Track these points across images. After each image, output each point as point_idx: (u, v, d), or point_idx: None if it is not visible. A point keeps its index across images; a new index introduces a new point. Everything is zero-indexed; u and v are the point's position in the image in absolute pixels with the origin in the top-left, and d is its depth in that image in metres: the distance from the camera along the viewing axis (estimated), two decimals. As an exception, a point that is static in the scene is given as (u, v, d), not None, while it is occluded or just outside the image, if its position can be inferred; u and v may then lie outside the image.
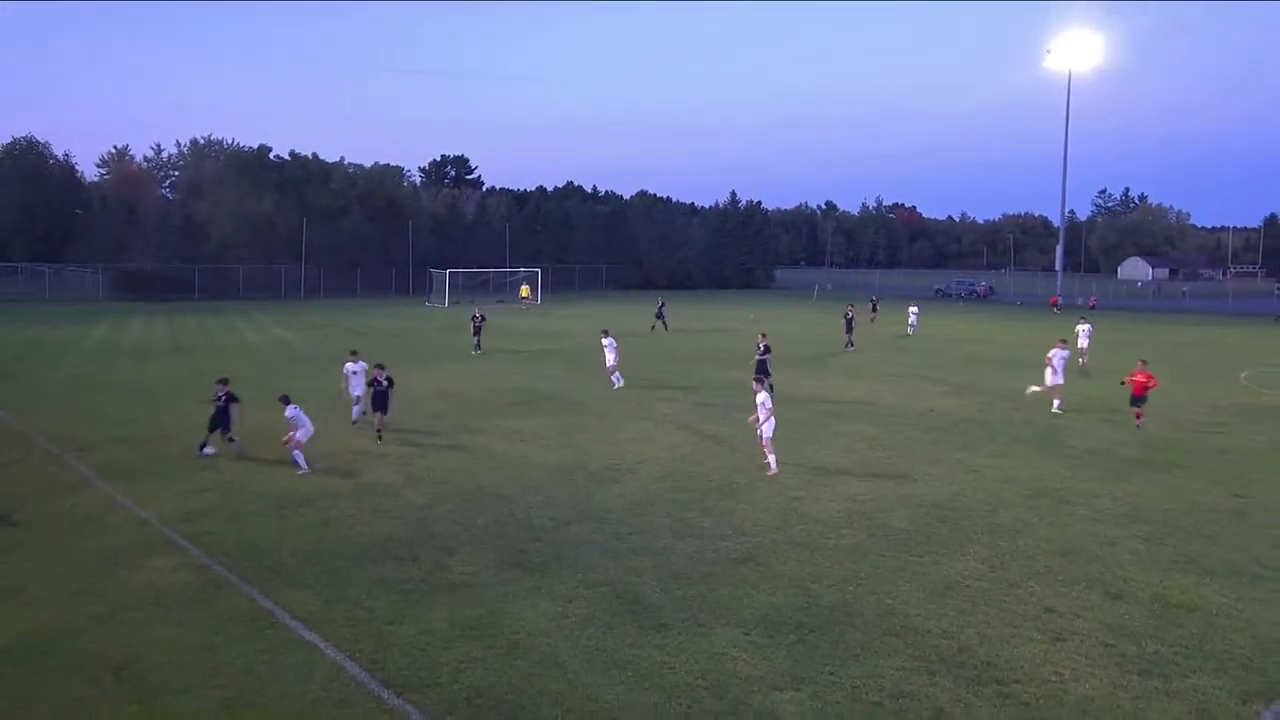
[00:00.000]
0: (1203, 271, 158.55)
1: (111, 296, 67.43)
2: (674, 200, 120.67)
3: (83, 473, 16.52)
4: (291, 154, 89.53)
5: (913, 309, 47.86)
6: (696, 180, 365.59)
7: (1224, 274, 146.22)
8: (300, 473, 16.29)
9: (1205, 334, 50.96)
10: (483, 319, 36.59)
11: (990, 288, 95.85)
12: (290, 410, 16.64)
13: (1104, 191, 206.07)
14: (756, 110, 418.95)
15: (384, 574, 11.55)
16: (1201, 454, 18.83)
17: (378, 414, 19.08)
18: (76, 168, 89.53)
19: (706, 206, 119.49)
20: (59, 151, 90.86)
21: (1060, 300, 74.48)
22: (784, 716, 8.15)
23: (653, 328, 45.58)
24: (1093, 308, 68.81)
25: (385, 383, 19.12)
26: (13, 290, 67.75)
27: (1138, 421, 21.07)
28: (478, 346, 35.53)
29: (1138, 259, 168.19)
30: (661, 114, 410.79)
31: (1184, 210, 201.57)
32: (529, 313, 59.86)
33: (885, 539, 13.03)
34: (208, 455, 17.40)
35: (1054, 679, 8.84)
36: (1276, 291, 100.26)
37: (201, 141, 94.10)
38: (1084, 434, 20.62)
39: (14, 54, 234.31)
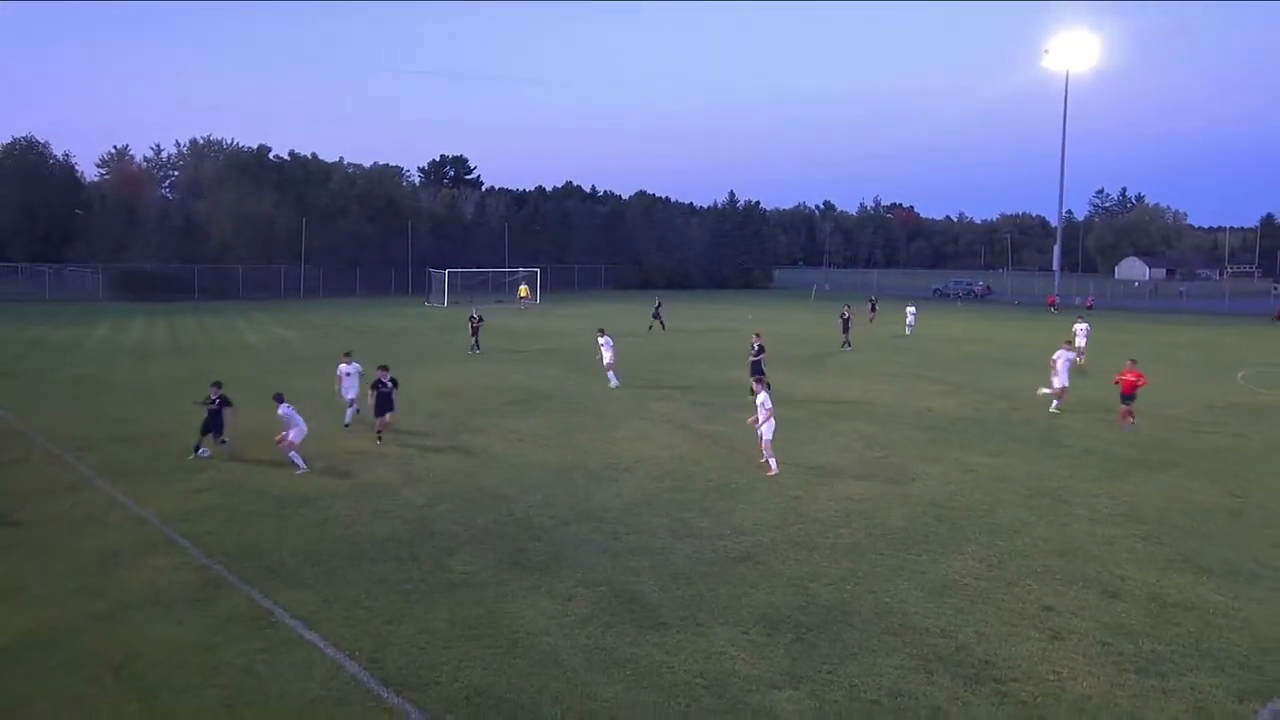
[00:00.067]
0: (1199, 271, 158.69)
1: (111, 296, 67.43)
2: (673, 200, 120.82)
3: (83, 472, 16.54)
4: (291, 154, 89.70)
5: (910, 309, 47.93)
6: (695, 180, 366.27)
7: (1221, 274, 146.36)
8: (299, 472, 16.31)
9: (1202, 334, 51.02)
10: (480, 319, 36.57)
11: (988, 288, 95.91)
12: (283, 409, 16.63)
13: (1101, 191, 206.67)
14: (755, 110, 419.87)
15: (383, 573, 11.58)
16: (1198, 453, 18.88)
17: (383, 415, 18.74)
18: (76, 168, 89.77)
19: (705, 206, 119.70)
20: (59, 151, 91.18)
21: (1058, 300, 74.52)
22: (782, 715, 8.18)
23: (650, 328, 45.62)
24: (1090, 307, 68.87)
25: (389, 384, 18.87)
26: (13, 290, 67.77)
27: (1123, 421, 21.06)
28: (475, 346, 35.55)
29: (1135, 259, 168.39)
30: (661, 114, 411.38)
31: (1181, 210, 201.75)
32: (528, 312, 59.87)
33: (883, 538, 13.07)
34: (203, 457, 17.39)
35: (1051, 677, 8.87)
36: (1273, 291, 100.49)
37: (201, 141, 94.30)
38: (1081, 433, 20.66)
39: (14, 54, 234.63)
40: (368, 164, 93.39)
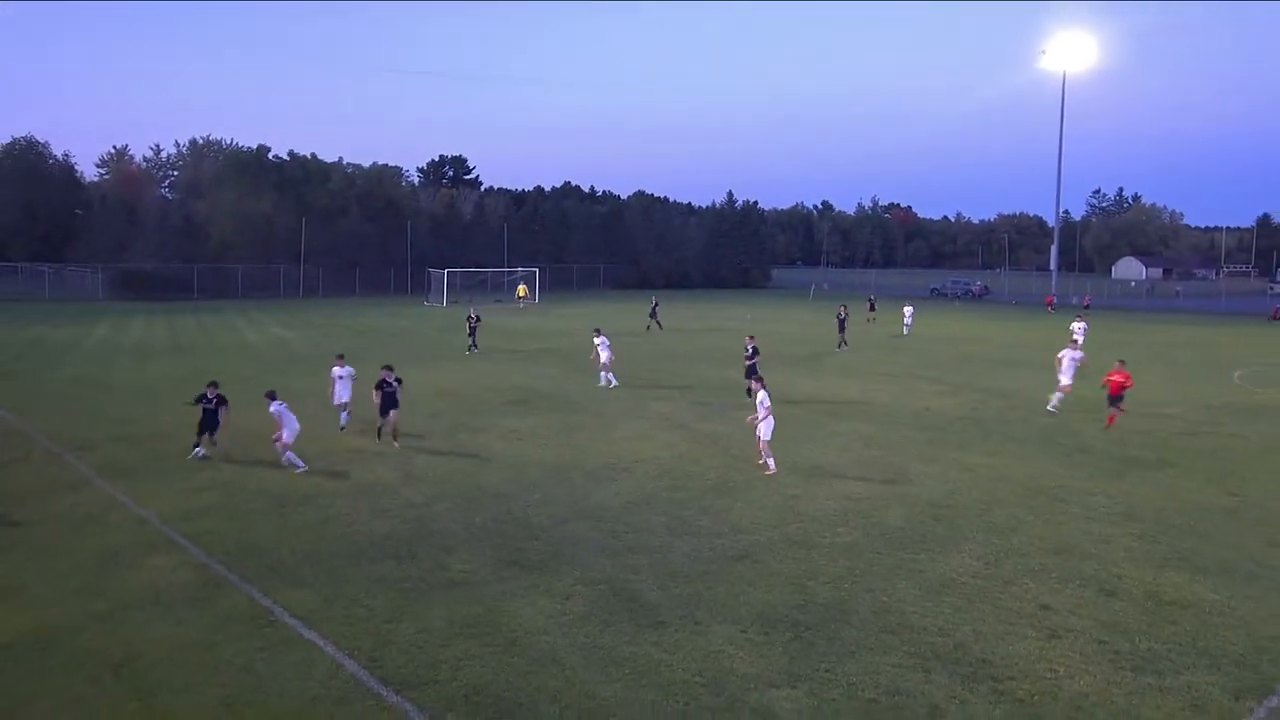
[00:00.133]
0: (1196, 271, 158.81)
1: (111, 296, 67.39)
2: (671, 200, 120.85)
3: (83, 472, 16.55)
4: (290, 154, 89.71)
5: (908, 308, 47.97)
6: (694, 180, 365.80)
7: (1217, 274, 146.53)
8: (299, 471, 16.33)
9: (1199, 333, 51.10)
10: (478, 319, 36.60)
11: (985, 287, 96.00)
12: (274, 406, 16.60)
13: (1098, 191, 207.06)
14: (754, 110, 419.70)
15: (383, 572, 11.61)
16: (1195, 453, 18.93)
17: (387, 414, 18.53)
18: (76, 168, 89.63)
19: (703, 206, 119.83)
20: (59, 151, 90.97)
21: (1055, 300, 74.63)
22: (780, 713, 8.22)
23: (648, 328, 45.68)
24: (1087, 307, 68.91)
25: (394, 384, 18.67)
26: (13, 290, 67.72)
27: (1109, 422, 21.09)
28: (473, 346, 35.58)
29: (1132, 259, 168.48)
30: (660, 114, 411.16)
31: (1177, 210, 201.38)
32: (526, 312, 59.91)
33: (881, 537, 13.11)
34: (200, 458, 17.38)
35: (1049, 675, 8.91)
36: (1269, 291, 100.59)
37: (201, 141, 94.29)
38: (1078, 433, 20.70)
39: (14, 54, 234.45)
40: (367, 164, 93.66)
